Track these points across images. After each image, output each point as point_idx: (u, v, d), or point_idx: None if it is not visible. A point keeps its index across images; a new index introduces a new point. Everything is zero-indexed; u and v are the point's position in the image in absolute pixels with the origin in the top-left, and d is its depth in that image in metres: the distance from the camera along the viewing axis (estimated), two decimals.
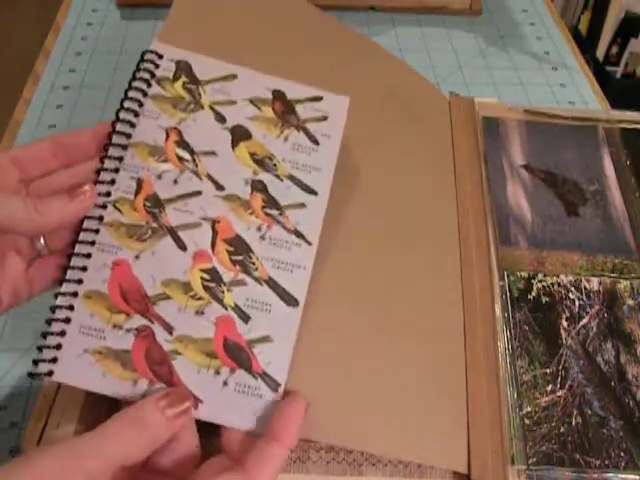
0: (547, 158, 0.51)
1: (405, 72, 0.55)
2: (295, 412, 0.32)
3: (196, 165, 0.37)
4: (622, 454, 0.36)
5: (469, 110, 0.54)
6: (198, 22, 0.46)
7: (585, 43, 1.54)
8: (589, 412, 0.37)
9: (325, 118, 0.40)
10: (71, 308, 0.33)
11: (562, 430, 0.36)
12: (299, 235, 0.36)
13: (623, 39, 1.49)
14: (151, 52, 0.39)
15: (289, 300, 0.35)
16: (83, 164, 0.36)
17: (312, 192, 0.38)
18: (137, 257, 0.34)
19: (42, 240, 0.34)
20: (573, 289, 0.43)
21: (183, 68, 0.39)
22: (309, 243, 0.36)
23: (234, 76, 0.40)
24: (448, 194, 0.47)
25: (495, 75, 0.64)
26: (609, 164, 0.51)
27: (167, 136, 0.37)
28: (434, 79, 0.63)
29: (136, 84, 0.38)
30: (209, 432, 0.32)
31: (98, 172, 0.35)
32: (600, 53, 1.53)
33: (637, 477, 0.35)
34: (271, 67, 0.42)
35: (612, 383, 0.38)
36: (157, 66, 0.39)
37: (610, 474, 0.35)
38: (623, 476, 0.35)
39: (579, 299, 0.42)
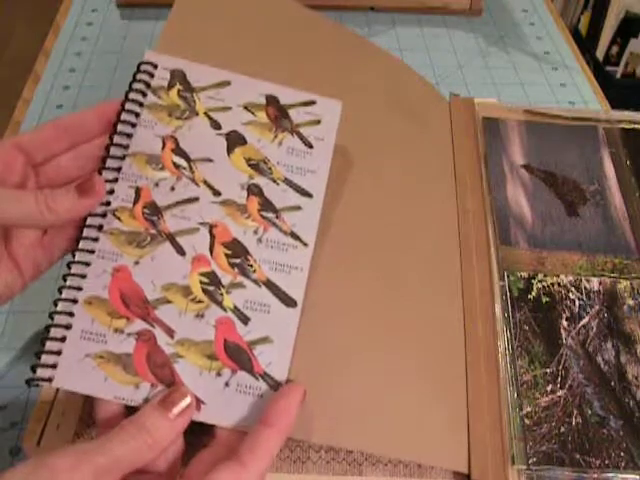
0: (547, 158, 0.51)
1: (404, 72, 0.55)
2: (290, 400, 0.31)
3: (192, 172, 0.37)
4: (622, 454, 0.36)
5: (469, 111, 0.54)
6: (194, 31, 0.46)
7: (585, 43, 1.54)
8: (589, 412, 0.37)
9: (318, 122, 0.40)
10: (71, 314, 0.33)
11: (562, 430, 0.36)
12: (295, 237, 0.37)
13: (623, 39, 1.49)
14: (146, 63, 0.39)
15: (287, 301, 0.35)
16: (88, 144, 0.36)
17: (307, 195, 0.38)
18: (137, 263, 0.35)
19: None
20: (573, 289, 0.43)
21: (177, 76, 0.40)
22: (305, 244, 0.37)
23: (228, 83, 0.40)
24: (448, 194, 0.47)
25: (495, 75, 0.64)
26: (609, 164, 0.51)
27: (163, 144, 0.37)
28: (434, 79, 0.63)
29: (132, 95, 0.38)
30: (196, 429, 0.32)
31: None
32: (600, 53, 1.53)
33: (637, 477, 0.35)
34: (268, 72, 0.42)
35: (612, 383, 0.38)
36: (152, 76, 0.39)
37: (610, 474, 0.35)
38: (623, 476, 0.35)
39: (579, 299, 0.42)
